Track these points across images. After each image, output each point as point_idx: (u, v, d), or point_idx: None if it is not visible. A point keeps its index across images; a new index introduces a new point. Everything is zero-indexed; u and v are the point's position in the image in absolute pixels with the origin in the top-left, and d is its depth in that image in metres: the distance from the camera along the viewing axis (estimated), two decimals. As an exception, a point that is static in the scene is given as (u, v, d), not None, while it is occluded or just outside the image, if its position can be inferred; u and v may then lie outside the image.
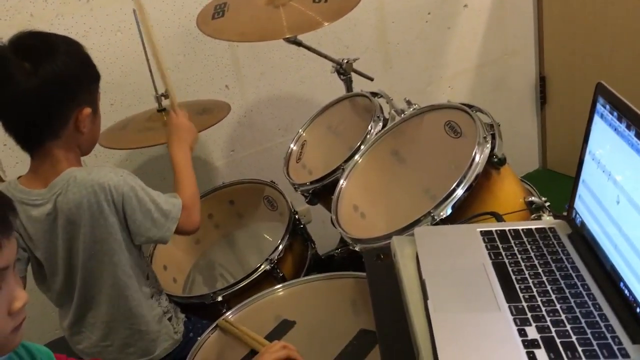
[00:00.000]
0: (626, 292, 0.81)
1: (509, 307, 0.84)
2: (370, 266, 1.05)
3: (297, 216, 1.63)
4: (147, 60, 1.78)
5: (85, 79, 1.24)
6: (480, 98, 2.70)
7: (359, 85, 1.95)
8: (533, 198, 1.23)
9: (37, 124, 1.20)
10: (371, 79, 1.98)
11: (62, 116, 1.21)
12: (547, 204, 1.36)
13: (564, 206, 1.04)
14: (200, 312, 1.50)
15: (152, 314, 1.34)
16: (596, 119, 0.93)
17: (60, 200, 1.20)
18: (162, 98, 1.80)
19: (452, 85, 2.63)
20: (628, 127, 0.82)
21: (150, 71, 1.80)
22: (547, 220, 1.05)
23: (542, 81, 2.77)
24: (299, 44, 1.77)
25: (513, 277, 0.90)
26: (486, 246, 0.98)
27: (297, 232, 1.62)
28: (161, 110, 1.78)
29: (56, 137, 1.22)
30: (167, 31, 2.01)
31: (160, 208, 1.26)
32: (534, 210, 1.21)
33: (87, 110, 1.23)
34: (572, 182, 0.99)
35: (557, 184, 2.80)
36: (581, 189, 0.98)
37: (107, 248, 1.25)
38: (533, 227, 1.01)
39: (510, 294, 0.86)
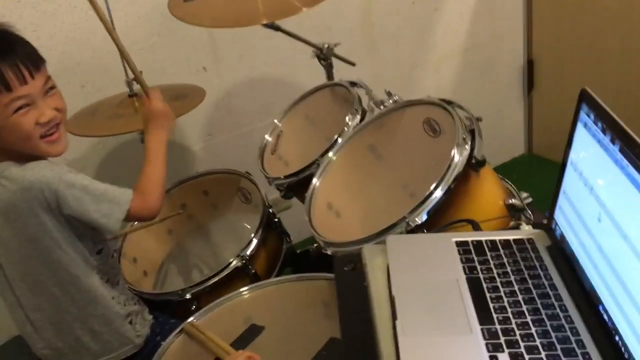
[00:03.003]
0: (605, 317, 0.77)
1: (482, 329, 0.79)
2: (339, 276, 1.00)
3: (271, 210, 1.57)
4: (115, 41, 1.70)
5: None
6: (466, 82, 2.64)
7: (342, 69, 1.88)
8: (513, 200, 1.18)
9: None
10: (353, 64, 1.90)
11: None
12: (528, 200, 1.32)
13: (547, 198, 0.97)
14: (168, 310, 1.45)
15: (109, 315, 1.29)
16: (579, 127, 0.88)
17: None
18: (134, 82, 1.73)
19: (438, 69, 2.56)
20: (612, 141, 0.77)
21: (121, 53, 1.72)
22: (526, 230, 1.00)
23: (530, 65, 2.71)
24: (277, 28, 1.69)
25: (487, 295, 0.85)
26: (461, 259, 0.93)
27: (271, 226, 1.57)
28: (132, 95, 1.71)
29: None
30: (140, 10, 1.92)
31: (101, 209, 1.19)
32: (513, 213, 1.17)
33: None
34: (557, 169, 0.93)
35: (543, 170, 2.77)
36: (562, 200, 0.93)
37: (43, 247, 1.19)
38: (511, 237, 0.96)
39: (483, 315, 0.82)
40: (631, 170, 0.72)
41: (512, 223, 1.10)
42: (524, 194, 1.35)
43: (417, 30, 2.43)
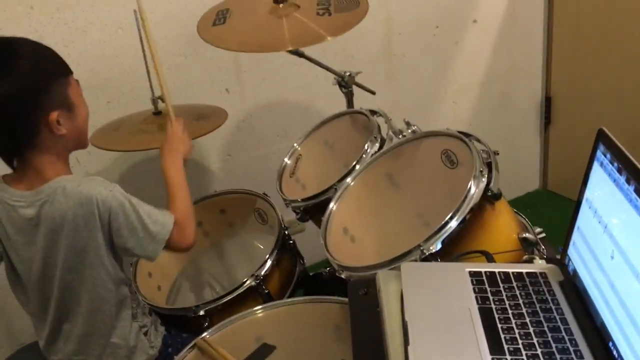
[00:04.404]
0: (614, 353, 0.78)
1: None
2: (353, 300, 1.02)
3: (287, 232, 1.60)
4: (145, 60, 1.75)
5: (44, 85, 1.15)
6: (484, 115, 2.67)
7: (361, 97, 1.92)
8: (527, 234, 1.20)
9: (5, 141, 1.17)
10: (373, 93, 1.94)
11: (29, 128, 1.16)
12: (541, 235, 1.33)
13: (560, 234, 0.99)
14: (181, 325, 1.47)
15: (128, 328, 1.31)
16: (595, 166, 0.90)
17: (47, 208, 1.17)
18: (159, 101, 1.77)
19: (456, 101, 2.59)
20: (627, 181, 0.79)
21: (148, 72, 1.76)
22: (539, 264, 1.02)
23: (548, 102, 2.74)
24: (301, 55, 1.73)
25: (499, 325, 0.87)
26: (474, 289, 0.94)
27: (286, 247, 1.59)
28: (157, 113, 1.75)
29: (33, 147, 1.18)
30: (169, 31, 1.97)
31: (148, 228, 1.22)
32: (527, 247, 1.18)
33: (54, 115, 1.16)
34: (572, 205, 0.95)
35: (557, 206, 2.77)
36: (576, 236, 0.95)
37: (89, 261, 1.22)
38: (524, 270, 0.98)
39: (494, 345, 0.83)
40: (645, 210, 0.74)
41: (525, 257, 1.11)
42: (538, 229, 1.37)
43: (437, 62, 2.47)
